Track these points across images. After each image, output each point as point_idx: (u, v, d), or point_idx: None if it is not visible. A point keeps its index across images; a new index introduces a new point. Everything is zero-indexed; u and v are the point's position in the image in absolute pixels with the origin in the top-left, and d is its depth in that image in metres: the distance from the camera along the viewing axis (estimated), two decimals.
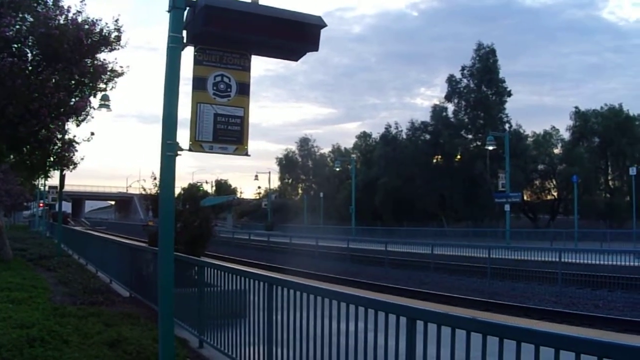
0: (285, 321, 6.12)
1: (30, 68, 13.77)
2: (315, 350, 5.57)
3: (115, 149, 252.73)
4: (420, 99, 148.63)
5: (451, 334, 4.00)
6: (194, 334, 9.01)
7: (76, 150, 17.99)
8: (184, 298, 8.86)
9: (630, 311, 18.84)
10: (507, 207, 44.00)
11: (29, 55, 13.89)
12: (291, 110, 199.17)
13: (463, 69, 68.24)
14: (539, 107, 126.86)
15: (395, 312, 4.56)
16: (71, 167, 19.52)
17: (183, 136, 6.04)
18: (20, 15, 13.22)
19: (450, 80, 69.14)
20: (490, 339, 3.75)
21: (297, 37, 6.14)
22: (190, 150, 6.08)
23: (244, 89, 6.39)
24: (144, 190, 13.87)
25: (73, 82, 14.48)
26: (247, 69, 6.42)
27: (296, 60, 6.79)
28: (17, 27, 13.26)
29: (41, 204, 51.82)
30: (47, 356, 6.86)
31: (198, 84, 6.16)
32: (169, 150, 5.98)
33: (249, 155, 6.43)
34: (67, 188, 27.71)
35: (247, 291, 7.27)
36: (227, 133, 6.26)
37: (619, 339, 6.90)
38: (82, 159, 19.39)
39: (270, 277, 6.96)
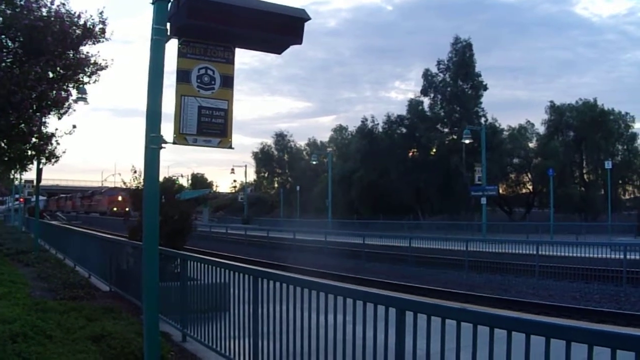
0: (271, 314, 6.13)
1: (10, 60, 13.58)
2: (302, 343, 5.57)
3: (89, 142, 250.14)
4: (395, 93, 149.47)
5: (441, 325, 4.03)
6: (177, 328, 9.01)
7: (58, 144, 17.75)
8: (166, 292, 8.83)
9: (607, 302, 19.09)
10: (483, 200, 44.20)
11: (10, 46, 13.69)
12: (266, 104, 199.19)
13: (439, 63, 68.22)
14: (513, 101, 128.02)
15: (384, 304, 4.57)
16: (53, 160, 19.20)
17: (166, 129, 5.99)
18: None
19: (427, 74, 69.06)
20: (481, 328, 3.78)
21: (281, 30, 6.09)
22: (174, 143, 6.00)
23: (227, 82, 6.33)
24: (124, 183, 13.80)
25: (55, 74, 14.32)
26: (231, 61, 6.37)
27: (279, 53, 6.75)
28: None
29: (22, 199, 51.17)
30: (31, 351, 6.77)
31: (182, 76, 6.10)
32: (153, 143, 5.91)
33: (233, 148, 6.37)
34: (42, 182, 27.30)
35: (230, 284, 7.27)
36: (211, 126, 6.20)
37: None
38: (64, 152, 19.10)
39: (255, 269, 6.95)
